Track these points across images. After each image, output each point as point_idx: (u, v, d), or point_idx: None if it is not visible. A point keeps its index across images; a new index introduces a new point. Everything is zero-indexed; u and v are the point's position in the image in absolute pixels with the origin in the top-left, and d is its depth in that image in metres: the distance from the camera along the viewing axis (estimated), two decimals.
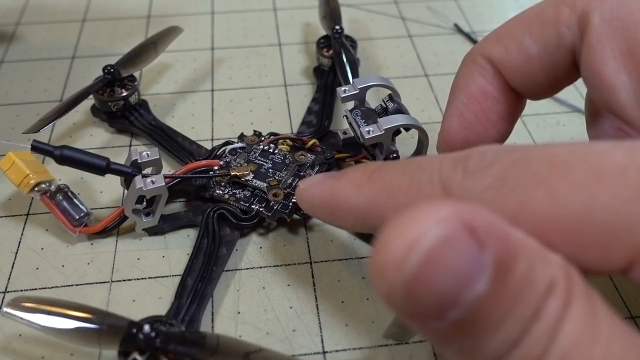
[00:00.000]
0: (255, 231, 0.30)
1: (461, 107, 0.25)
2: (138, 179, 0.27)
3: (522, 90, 0.24)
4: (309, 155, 0.32)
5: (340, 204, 0.22)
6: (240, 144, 0.32)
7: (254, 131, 0.34)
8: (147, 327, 0.22)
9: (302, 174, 0.31)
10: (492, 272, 0.14)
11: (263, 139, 0.33)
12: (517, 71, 0.23)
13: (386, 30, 0.44)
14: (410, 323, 0.16)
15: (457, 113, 0.25)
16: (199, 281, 0.26)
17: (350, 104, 0.31)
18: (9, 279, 0.28)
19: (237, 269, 0.28)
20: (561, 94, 0.35)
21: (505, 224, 0.15)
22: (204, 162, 0.30)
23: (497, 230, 0.15)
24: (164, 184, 0.27)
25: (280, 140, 0.33)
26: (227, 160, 0.31)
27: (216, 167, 0.31)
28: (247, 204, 0.29)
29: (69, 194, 0.29)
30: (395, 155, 0.30)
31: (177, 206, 0.31)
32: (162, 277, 0.28)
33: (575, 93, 0.38)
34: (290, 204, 0.29)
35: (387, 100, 0.30)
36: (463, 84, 0.25)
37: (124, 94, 0.34)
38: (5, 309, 0.23)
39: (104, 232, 0.29)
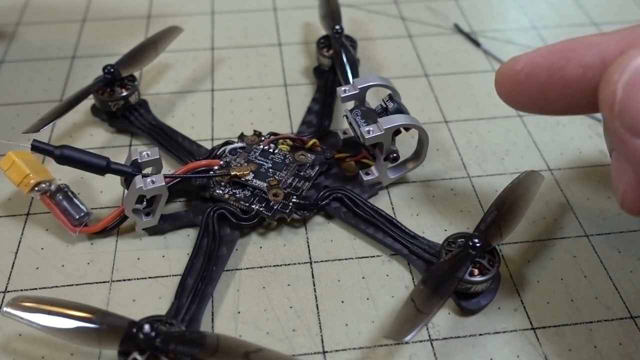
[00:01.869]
0: (255, 231, 0.30)
1: None
2: (138, 178, 0.27)
3: None
4: (309, 155, 0.32)
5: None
6: (240, 144, 0.32)
7: (254, 131, 0.34)
8: (147, 327, 0.22)
9: (302, 173, 0.31)
10: None
11: (263, 139, 0.33)
12: None
13: (386, 30, 0.44)
14: (625, 142, 0.19)
15: None
16: (199, 281, 0.26)
17: (350, 104, 0.31)
18: (9, 278, 0.28)
19: (237, 269, 0.28)
20: None
21: None
22: (204, 162, 0.30)
23: None
24: (164, 183, 0.27)
25: (280, 140, 0.33)
26: (227, 160, 0.32)
27: (216, 167, 0.31)
28: (247, 204, 0.29)
29: (69, 193, 0.29)
30: (395, 155, 0.30)
31: (177, 206, 0.31)
32: (162, 276, 0.28)
33: None
34: (290, 203, 0.29)
35: (387, 100, 0.30)
36: None
37: (124, 93, 0.34)
38: (5, 309, 0.23)
39: (104, 232, 0.29)
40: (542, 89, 0.23)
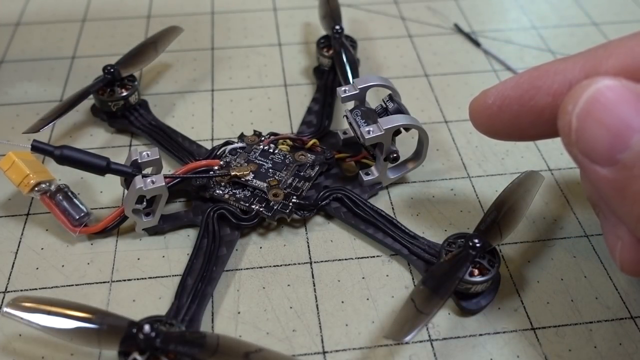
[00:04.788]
0: (255, 231, 0.30)
1: None
2: (138, 178, 0.27)
3: None
4: (309, 155, 0.32)
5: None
6: (240, 144, 0.32)
7: (254, 131, 0.34)
8: (147, 327, 0.22)
9: (302, 174, 0.31)
10: None
11: (263, 139, 0.33)
12: None
13: (386, 30, 0.44)
14: (585, 167, 0.20)
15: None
16: (199, 281, 0.26)
17: (350, 104, 0.31)
18: (9, 279, 0.28)
19: (237, 269, 0.28)
20: None
21: None
22: (204, 162, 0.30)
23: None
24: (164, 183, 0.27)
25: (280, 140, 0.33)
26: (227, 160, 0.32)
27: (216, 167, 0.31)
28: (247, 204, 0.29)
29: (69, 193, 0.29)
30: (395, 155, 0.30)
31: (177, 206, 0.31)
32: (162, 277, 0.28)
33: None
34: (290, 204, 0.29)
35: (387, 100, 0.30)
36: None
37: (124, 93, 0.34)
38: (5, 309, 0.23)
39: (104, 232, 0.29)
40: (516, 118, 0.24)
